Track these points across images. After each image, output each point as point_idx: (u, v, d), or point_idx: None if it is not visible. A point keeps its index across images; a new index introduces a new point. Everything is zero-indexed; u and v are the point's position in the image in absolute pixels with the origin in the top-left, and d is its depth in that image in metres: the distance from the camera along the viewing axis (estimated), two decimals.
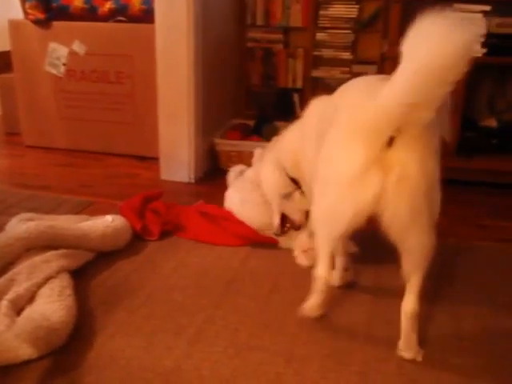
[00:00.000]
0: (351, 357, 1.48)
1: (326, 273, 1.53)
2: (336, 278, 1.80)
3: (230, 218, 2.19)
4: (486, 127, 2.98)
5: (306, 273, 1.90)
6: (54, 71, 3.22)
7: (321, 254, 1.53)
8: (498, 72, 2.99)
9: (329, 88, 3.28)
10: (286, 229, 2.07)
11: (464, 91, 2.68)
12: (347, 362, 1.45)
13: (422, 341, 1.52)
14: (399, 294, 1.53)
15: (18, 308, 1.56)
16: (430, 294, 1.72)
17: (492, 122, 3.00)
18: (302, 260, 1.98)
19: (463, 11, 2.64)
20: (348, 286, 1.82)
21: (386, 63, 2.81)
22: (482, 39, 2.61)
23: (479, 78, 2.93)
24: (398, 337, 1.54)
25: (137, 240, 2.12)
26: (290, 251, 2.05)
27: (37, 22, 3.17)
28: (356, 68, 3.29)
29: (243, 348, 1.50)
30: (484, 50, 2.63)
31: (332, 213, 1.38)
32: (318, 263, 1.54)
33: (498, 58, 2.66)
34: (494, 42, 2.64)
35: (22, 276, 1.66)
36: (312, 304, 1.59)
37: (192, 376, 1.39)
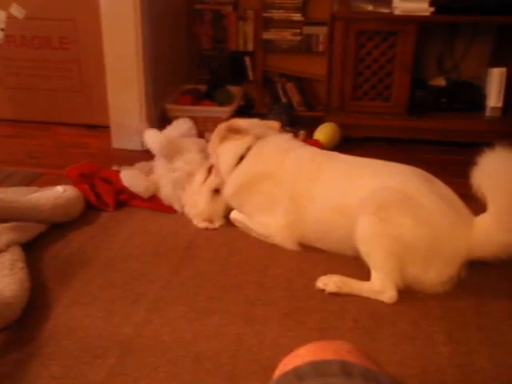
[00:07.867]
0: (309, 315, 1.51)
1: None
2: None
3: None
4: (435, 86, 3.02)
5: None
6: None
7: None
8: (446, 31, 3.03)
9: (280, 50, 3.28)
10: None
11: (413, 51, 2.69)
12: (305, 321, 1.48)
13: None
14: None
15: None
16: None
17: (441, 81, 3.05)
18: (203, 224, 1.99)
19: None
20: (304, 248, 1.84)
21: (337, 24, 2.78)
22: None
23: (428, 37, 2.95)
24: (353, 294, 1.58)
25: (90, 210, 2.07)
26: None
27: None
28: (307, 29, 3.26)
29: (203, 312, 1.51)
30: (432, 9, 2.64)
31: None
32: None
33: (447, 17, 2.68)
34: (442, 1, 2.65)
35: None
36: None
37: (152, 342, 1.39)
